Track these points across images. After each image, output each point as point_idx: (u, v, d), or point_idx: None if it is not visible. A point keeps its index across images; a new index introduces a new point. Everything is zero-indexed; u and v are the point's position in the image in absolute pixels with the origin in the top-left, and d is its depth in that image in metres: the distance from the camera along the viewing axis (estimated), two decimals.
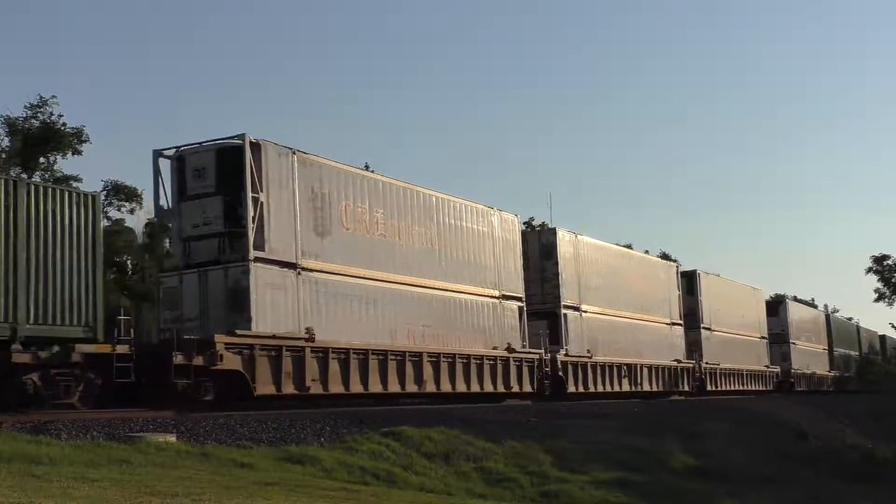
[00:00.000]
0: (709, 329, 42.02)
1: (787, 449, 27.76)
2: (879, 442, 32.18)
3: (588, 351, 30.56)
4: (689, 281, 41.67)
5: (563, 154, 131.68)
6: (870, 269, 73.28)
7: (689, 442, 23.37)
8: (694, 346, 39.97)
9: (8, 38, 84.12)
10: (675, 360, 37.70)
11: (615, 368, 32.74)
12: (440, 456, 16.26)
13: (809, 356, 56.21)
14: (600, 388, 31.34)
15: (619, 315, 33.84)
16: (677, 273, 40.24)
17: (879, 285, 73.60)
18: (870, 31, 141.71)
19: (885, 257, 72.68)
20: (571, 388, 29.24)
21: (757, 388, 46.81)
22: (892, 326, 71.81)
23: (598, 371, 31.54)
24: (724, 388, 42.37)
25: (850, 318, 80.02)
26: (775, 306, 53.65)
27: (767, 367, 48.98)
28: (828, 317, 65.27)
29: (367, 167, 24.00)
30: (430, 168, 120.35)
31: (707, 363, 40.94)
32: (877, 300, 74.19)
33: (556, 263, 29.76)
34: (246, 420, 15.65)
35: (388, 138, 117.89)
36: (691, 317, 40.71)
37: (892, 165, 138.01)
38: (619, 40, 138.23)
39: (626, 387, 33.07)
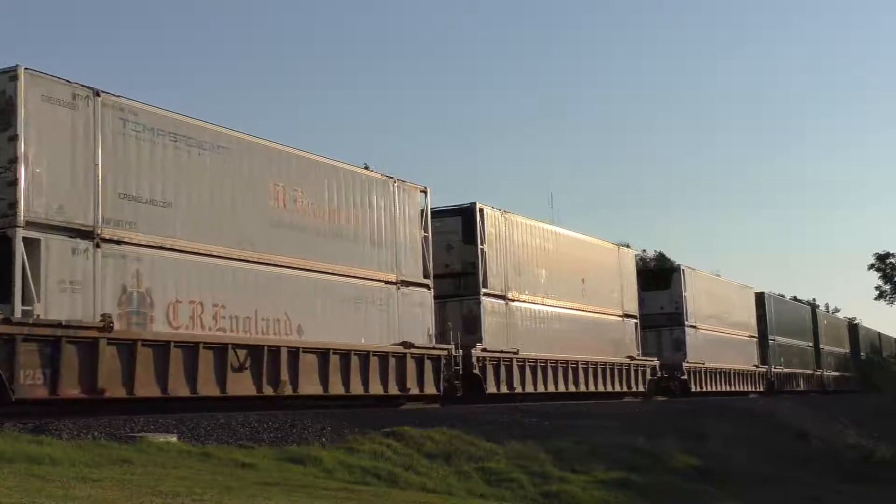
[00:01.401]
0: (501, 297, 26.35)
1: (788, 449, 27.79)
2: (880, 442, 32.21)
3: (149, 318, 16.09)
4: (466, 221, 26.03)
5: (564, 154, 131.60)
6: (872, 266, 73.36)
7: (689, 442, 23.39)
8: (469, 324, 25.22)
9: None
10: (403, 344, 21.93)
11: (218, 353, 17.13)
12: (441, 456, 16.26)
13: (722, 346, 41.57)
14: (154, 391, 16.09)
15: (250, 259, 18.22)
16: (426, 202, 23.96)
17: (881, 283, 73.68)
18: (870, 30, 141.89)
19: (888, 255, 72.75)
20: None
21: (606, 388, 30.87)
22: None
23: (163, 360, 16.11)
24: (530, 390, 26.99)
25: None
26: (664, 276, 39.45)
27: (633, 358, 33.00)
28: (762, 296, 49.00)
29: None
30: (430, 168, 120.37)
31: (487, 350, 25.14)
32: (877, 298, 74.19)
33: (16, 139, 14.39)
34: (247, 420, 15.67)
35: (388, 138, 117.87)
36: (468, 278, 25.73)
37: (893, 164, 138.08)
38: (619, 39, 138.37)
39: (210, 388, 17.07)
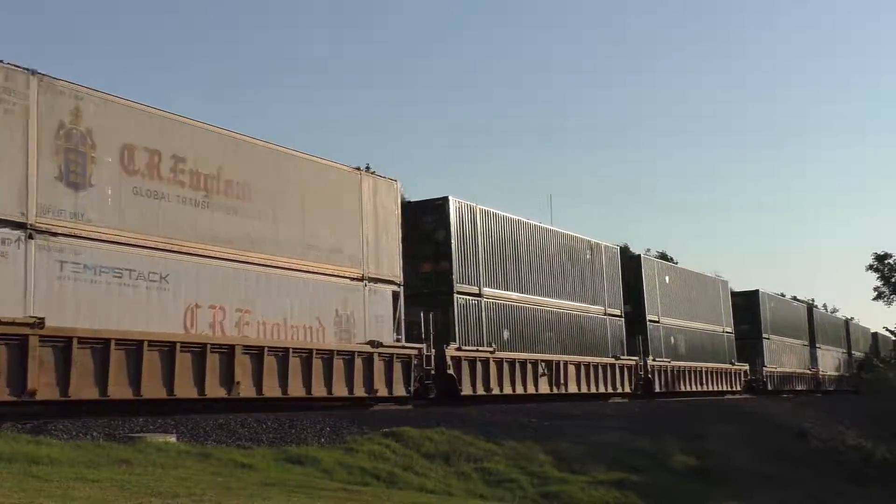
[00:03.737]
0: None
1: (788, 449, 27.77)
2: (879, 443, 32.17)
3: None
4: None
5: (563, 154, 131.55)
6: (870, 267, 73.47)
7: (689, 442, 23.39)
8: None
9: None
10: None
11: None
12: (440, 456, 16.26)
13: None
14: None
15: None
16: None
17: (879, 283, 73.80)
18: (870, 31, 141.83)
19: (886, 255, 72.91)
20: None
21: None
22: (887, 330, 71.37)
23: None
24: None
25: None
26: None
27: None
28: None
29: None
30: (431, 169, 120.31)
31: None
32: (875, 298, 74.27)
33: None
34: (246, 420, 15.68)
35: (389, 138, 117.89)
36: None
37: (893, 165, 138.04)
38: (620, 40, 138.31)
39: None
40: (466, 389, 23.57)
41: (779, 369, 48.84)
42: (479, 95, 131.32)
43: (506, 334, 26.04)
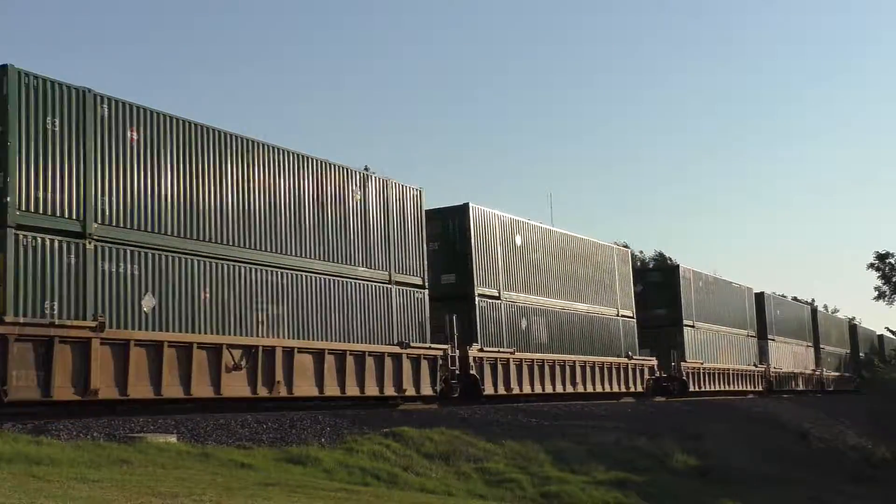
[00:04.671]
0: None
1: (788, 449, 27.79)
2: (879, 442, 32.21)
3: None
4: None
5: (563, 154, 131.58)
6: (871, 265, 73.36)
7: (689, 442, 23.39)
8: None
9: None
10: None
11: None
12: (440, 456, 16.28)
13: None
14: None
15: None
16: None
17: (880, 283, 73.62)
18: (869, 30, 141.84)
19: (888, 255, 72.76)
20: None
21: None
22: (888, 330, 71.16)
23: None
24: None
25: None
26: None
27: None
28: None
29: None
30: (431, 168, 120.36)
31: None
32: (876, 298, 74.08)
33: None
34: (246, 421, 15.69)
35: (388, 138, 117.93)
36: None
37: (893, 164, 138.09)
38: (620, 40, 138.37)
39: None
40: (21, 392, 13.47)
41: (706, 364, 38.67)
42: (477, 95, 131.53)
43: (147, 304, 15.55)
